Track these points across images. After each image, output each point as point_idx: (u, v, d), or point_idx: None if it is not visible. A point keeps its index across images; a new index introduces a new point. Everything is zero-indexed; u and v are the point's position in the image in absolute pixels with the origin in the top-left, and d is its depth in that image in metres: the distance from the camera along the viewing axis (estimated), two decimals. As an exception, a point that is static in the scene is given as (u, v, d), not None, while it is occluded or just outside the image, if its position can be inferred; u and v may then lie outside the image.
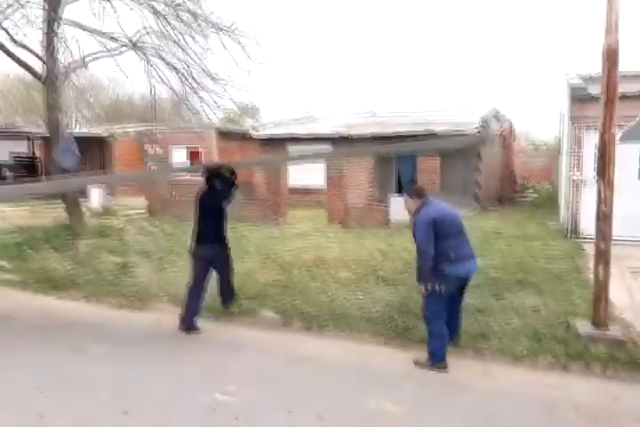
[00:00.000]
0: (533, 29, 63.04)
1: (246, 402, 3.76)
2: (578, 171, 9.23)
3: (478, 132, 13.97)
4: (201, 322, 5.44)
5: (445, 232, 4.32)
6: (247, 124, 31.32)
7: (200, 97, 10.14)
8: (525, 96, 53.54)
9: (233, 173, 5.71)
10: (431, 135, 14.15)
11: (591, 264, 7.49)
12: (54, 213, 11.36)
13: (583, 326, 4.97)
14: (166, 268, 7.57)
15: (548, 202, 16.77)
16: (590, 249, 8.44)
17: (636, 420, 3.62)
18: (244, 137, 17.78)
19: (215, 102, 10.33)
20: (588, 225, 9.20)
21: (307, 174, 14.91)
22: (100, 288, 6.62)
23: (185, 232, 10.31)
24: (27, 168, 18.73)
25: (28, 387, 3.97)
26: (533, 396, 3.94)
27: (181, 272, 7.20)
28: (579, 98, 9.18)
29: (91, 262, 7.77)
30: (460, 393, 4.00)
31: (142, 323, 5.68)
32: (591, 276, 6.66)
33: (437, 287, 4.28)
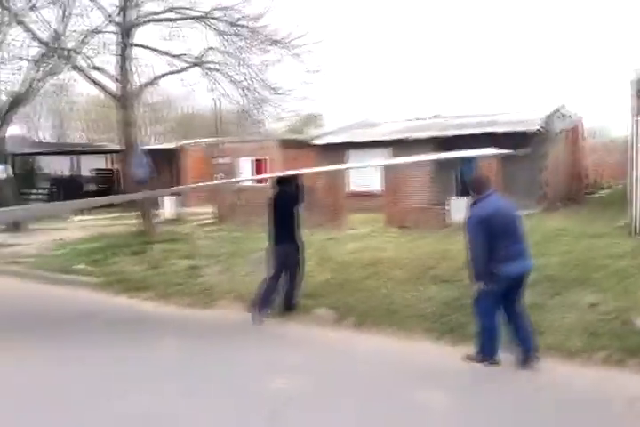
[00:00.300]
0: (604, 23, 60.03)
1: (301, 389, 4.02)
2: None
3: (540, 130, 13.62)
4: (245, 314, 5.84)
5: (498, 230, 4.19)
6: (309, 133, 31.96)
7: (261, 109, 10.64)
8: (598, 93, 51.01)
9: (297, 177, 6.27)
10: (492, 136, 13.98)
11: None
12: (130, 222, 12.24)
13: (641, 322, 4.87)
14: (231, 269, 8.01)
15: (619, 200, 15.95)
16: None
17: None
18: (305, 145, 18.24)
19: (277, 113, 10.81)
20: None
21: (366, 179, 15.11)
22: (170, 288, 7.13)
23: (249, 236, 10.87)
24: (106, 181, 20.14)
25: (109, 372, 4.44)
26: (583, 389, 3.94)
27: (245, 273, 7.65)
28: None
29: (162, 265, 8.36)
30: (505, 386, 4.06)
31: (208, 319, 6.11)
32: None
33: (487, 284, 4.23)
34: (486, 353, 4.37)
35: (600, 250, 7.84)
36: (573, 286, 6.15)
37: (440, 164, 15.09)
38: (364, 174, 15.36)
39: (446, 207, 11.40)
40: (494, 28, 63.98)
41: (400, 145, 15.04)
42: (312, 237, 10.33)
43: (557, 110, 14.92)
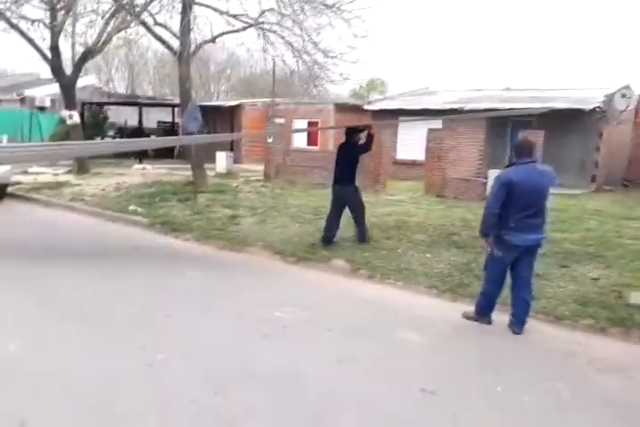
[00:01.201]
0: None
1: (297, 319, 4.60)
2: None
3: (597, 109, 13.21)
4: (280, 264, 6.44)
5: (519, 199, 4.21)
6: (372, 99, 31.82)
7: (314, 72, 10.91)
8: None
9: (363, 130, 7.33)
10: (549, 111, 13.66)
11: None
12: (185, 173, 13.08)
13: (636, 297, 5.06)
14: (266, 221, 8.62)
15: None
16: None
17: (649, 375, 3.84)
18: (359, 110, 18.42)
19: (329, 77, 11.05)
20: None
21: (413, 147, 15.22)
22: (208, 232, 7.83)
23: (290, 193, 11.45)
24: (167, 133, 21.17)
25: (138, 293, 5.19)
26: (554, 347, 4.28)
27: (277, 226, 8.25)
28: None
29: (205, 212, 9.09)
30: (484, 337, 4.46)
31: (235, 260, 6.77)
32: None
33: (495, 251, 4.43)
34: (480, 313, 4.67)
35: (626, 231, 7.87)
36: (584, 261, 6.34)
37: (493, 135, 14.97)
38: (412, 143, 15.47)
39: (485, 179, 11.47)
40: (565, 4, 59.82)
41: (452, 115, 14.98)
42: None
43: (620, 90, 14.32)
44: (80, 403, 3.15)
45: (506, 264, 4.48)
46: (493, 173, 11.40)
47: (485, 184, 11.44)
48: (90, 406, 3.13)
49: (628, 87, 14.72)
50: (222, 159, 15.41)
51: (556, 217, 8.28)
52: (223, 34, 10.38)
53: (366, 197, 11.00)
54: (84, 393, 3.26)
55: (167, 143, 10.33)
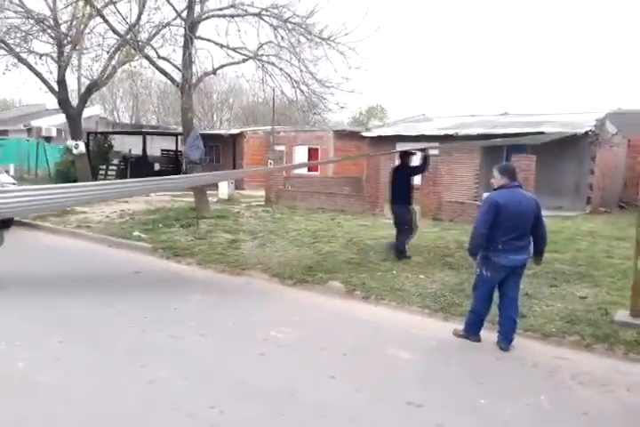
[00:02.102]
0: (701, 19, 56.00)
1: (292, 339, 4.78)
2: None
3: (589, 132, 13.56)
4: (278, 286, 6.65)
5: (502, 222, 4.38)
6: (371, 125, 32.44)
7: (313, 103, 11.32)
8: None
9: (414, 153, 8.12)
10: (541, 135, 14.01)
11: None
12: (187, 199, 13.40)
13: (621, 315, 5.23)
14: (266, 245, 8.84)
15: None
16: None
17: (629, 389, 3.98)
18: (357, 137, 18.87)
19: (326, 106, 11.48)
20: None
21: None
22: (209, 257, 8.04)
23: (290, 218, 11.70)
24: (170, 162, 21.62)
25: (141, 315, 5.39)
26: (539, 362, 4.43)
27: (277, 249, 8.47)
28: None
29: (207, 237, 9.33)
30: (472, 354, 4.62)
31: (235, 283, 6.96)
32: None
33: (484, 271, 4.63)
34: (470, 331, 4.83)
35: (616, 251, 8.06)
36: (573, 280, 6.53)
37: (488, 160, 15.29)
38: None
39: (479, 202, 11.72)
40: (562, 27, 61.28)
41: (447, 140, 15.36)
42: (348, 223, 11.07)
43: (614, 113, 14.72)
44: (82, 414, 3.33)
45: (494, 284, 4.67)
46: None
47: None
48: (90, 415, 3.32)
49: (617, 110, 15.11)
50: (224, 186, 15.74)
51: (549, 238, 8.51)
52: (223, 66, 10.85)
53: (364, 221, 11.40)
54: (87, 406, 3.44)
55: (216, 179, 10.45)
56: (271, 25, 10.23)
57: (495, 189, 4.65)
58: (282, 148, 21.32)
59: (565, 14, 62.98)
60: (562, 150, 14.08)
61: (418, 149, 8.19)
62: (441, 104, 52.65)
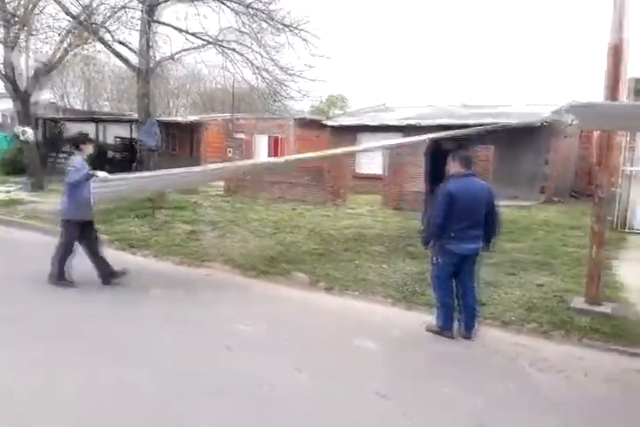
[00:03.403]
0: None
1: (257, 332, 4.71)
2: (630, 164, 9.23)
3: (545, 123, 13.91)
4: (240, 278, 6.53)
5: (456, 211, 4.42)
6: (332, 114, 32.35)
7: (275, 90, 11.14)
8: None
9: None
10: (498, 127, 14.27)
11: (625, 254, 7.73)
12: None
13: (577, 302, 5.39)
14: (226, 235, 8.68)
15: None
16: (634, 241, 8.59)
17: (586, 373, 4.11)
18: (319, 126, 18.76)
19: (287, 93, 11.32)
20: (638, 218, 9.23)
21: (373, 162, 15.60)
22: (167, 248, 7.83)
23: (250, 208, 11.54)
24: (127, 149, 20.95)
25: (97, 311, 5.19)
26: (501, 350, 4.52)
27: (238, 240, 8.32)
28: (637, 91, 9.15)
29: (164, 228, 9.09)
30: (436, 343, 4.65)
31: (197, 276, 6.79)
32: (615, 262, 6.97)
33: (438, 259, 4.66)
34: (441, 324, 4.72)
35: (570, 240, 8.32)
36: (530, 269, 6.70)
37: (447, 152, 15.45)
38: (372, 157, 15.85)
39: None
40: (519, 19, 62.73)
41: (409, 130, 15.47)
42: (309, 213, 11.01)
43: (570, 104, 15.11)
44: (51, 413, 3.17)
45: (448, 271, 4.68)
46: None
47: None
48: (60, 413, 3.19)
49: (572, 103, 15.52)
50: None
51: (505, 228, 8.71)
52: (182, 51, 10.52)
53: (326, 211, 11.37)
54: (56, 406, 3.28)
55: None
56: (233, 10, 9.97)
57: (448, 179, 4.65)
58: (242, 136, 21.00)
59: (522, 8, 64.31)
60: (519, 141, 14.40)
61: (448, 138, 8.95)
62: (400, 94, 53.02)
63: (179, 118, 21.84)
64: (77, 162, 5.68)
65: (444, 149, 8.70)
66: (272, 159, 7.74)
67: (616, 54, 5.06)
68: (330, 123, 17.25)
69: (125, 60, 10.45)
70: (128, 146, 21.95)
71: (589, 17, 59.68)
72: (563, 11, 63.10)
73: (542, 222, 10.23)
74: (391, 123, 15.89)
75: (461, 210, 4.46)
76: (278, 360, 4.12)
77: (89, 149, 5.97)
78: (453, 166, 4.66)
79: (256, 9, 9.93)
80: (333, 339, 4.63)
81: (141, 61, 10.06)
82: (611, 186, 17.24)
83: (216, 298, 5.80)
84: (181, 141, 20.40)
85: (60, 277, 5.94)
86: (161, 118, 17.11)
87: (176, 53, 10.50)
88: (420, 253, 7.43)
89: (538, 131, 14.39)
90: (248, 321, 4.94)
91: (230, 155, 15.17)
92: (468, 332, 4.70)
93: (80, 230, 5.93)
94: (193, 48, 10.64)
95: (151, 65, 10.31)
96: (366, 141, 16.42)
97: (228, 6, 10.16)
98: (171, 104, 34.69)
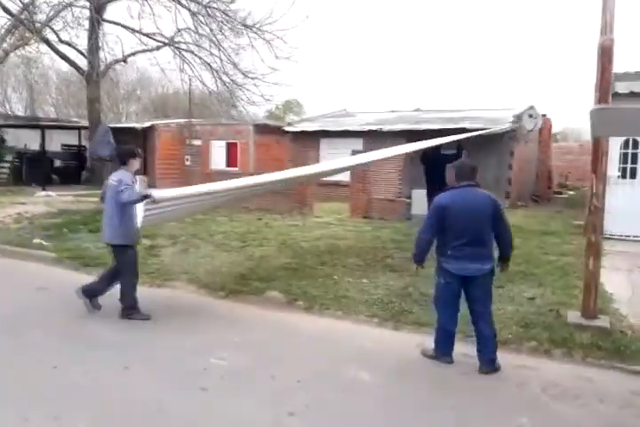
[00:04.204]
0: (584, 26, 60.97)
1: (236, 366, 4.14)
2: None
3: (509, 129, 13.90)
4: (208, 299, 5.94)
5: (452, 225, 4.00)
6: (289, 119, 31.91)
7: (233, 92, 10.59)
8: (581, 95, 51.97)
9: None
10: (462, 131, 14.19)
11: (605, 262, 7.57)
12: (97, 199, 12.11)
13: (573, 316, 5.10)
14: (189, 250, 8.05)
15: (583, 201, 16.46)
16: (607, 246, 8.47)
17: (601, 399, 3.78)
18: (280, 131, 18.23)
19: (248, 98, 10.80)
20: (609, 223, 9.14)
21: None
22: (126, 266, 7.14)
23: (211, 219, 10.89)
24: (74, 157, 19.81)
25: (48, 345, 4.50)
26: (507, 375, 4.14)
27: (202, 255, 7.70)
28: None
29: (121, 244, 8.35)
30: (437, 370, 4.24)
31: (159, 298, 6.13)
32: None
33: (439, 278, 4.20)
34: (439, 351, 4.28)
35: (549, 247, 8.14)
36: (516, 280, 6.39)
37: (411, 157, 15.28)
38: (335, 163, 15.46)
39: (409, 200, 11.60)
40: (473, 26, 64.36)
41: (371, 136, 15.19)
42: (277, 223, 10.47)
43: (526, 111, 15.21)
44: None
45: (452, 293, 4.19)
46: (417, 194, 11.57)
47: (410, 204, 11.56)
48: None
49: (532, 108, 15.65)
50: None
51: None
52: (136, 53, 9.82)
53: (294, 221, 10.86)
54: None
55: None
56: (189, 10, 9.37)
57: (446, 189, 4.24)
58: (198, 142, 20.19)
59: (478, 14, 65.98)
60: (483, 146, 14.33)
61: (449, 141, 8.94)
62: (356, 99, 53.14)
63: (132, 124, 20.82)
64: (127, 178, 5.01)
65: (443, 154, 9.00)
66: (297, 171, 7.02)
67: (605, 55, 4.83)
68: (291, 128, 16.77)
69: (72, 63, 9.65)
70: (76, 154, 20.79)
71: (545, 22, 61.75)
72: (519, 16, 65.06)
73: (515, 229, 10.02)
74: (353, 128, 15.56)
75: (457, 225, 4.00)
76: (267, 403, 3.58)
77: (136, 164, 5.28)
78: (449, 176, 4.24)
79: (215, 9, 9.36)
80: (323, 371, 4.13)
81: (90, 64, 9.29)
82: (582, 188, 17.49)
83: (183, 325, 5.18)
84: (134, 149, 19.37)
85: (134, 307, 5.30)
86: (110, 124, 16.17)
87: (129, 55, 9.79)
88: (400, 265, 7.07)
89: (500, 136, 14.37)
90: (222, 353, 4.37)
91: (188, 163, 14.42)
92: (487, 366, 4.12)
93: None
94: (147, 50, 9.96)
95: (102, 68, 9.55)
96: (328, 147, 16.06)
97: (184, 6, 9.55)
98: (120, 109, 33.34)
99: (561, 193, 20.82)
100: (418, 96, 54.34)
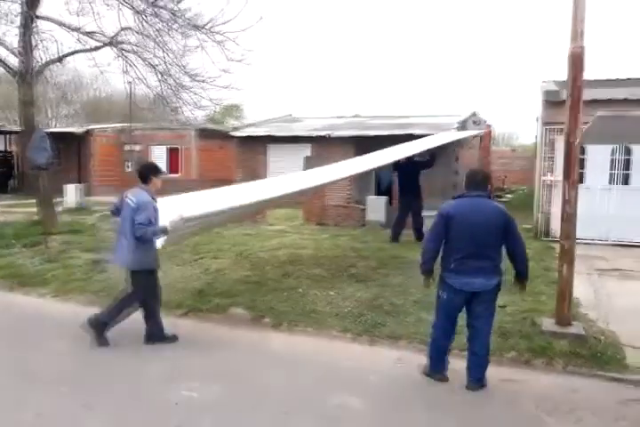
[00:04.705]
0: (517, 34, 63.94)
1: (211, 397, 3.75)
2: (550, 174, 9.40)
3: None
4: (167, 320, 5.44)
5: (454, 237, 3.79)
6: (229, 124, 31.26)
7: (179, 96, 10.07)
8: (509, 101, 54.35)
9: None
10: (410, 137, 14.28)
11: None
12: (29, 210, 11.21)
13: (547, 324, 5.06)
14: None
15: (524, 204, 17.07)
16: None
17: (593, 412, 3.70)
18: (224, 136, 17.72)
19: (198, 101, 10.31)
20: (559, 226, 9.37)
21: (281, 173, 14.93)
22: (68, 284, 6.53)
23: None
24: (4, 164, 18.44)
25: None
26: (495, 390, 3.99)
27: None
28: (552, 102, 9.35)
29: (61, 259, 7.67)
30: (424, 389, 4.03)
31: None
32: (556, 274, 6.82)
33: (440, 292, 3.97)
34: (431, 368, 4.08)
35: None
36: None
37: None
38: (284, 170, 15.15)
39: (363, 206, 11.48)
40: (411, 33, 66.09)
41: (320, 142, 15.00)
42: (228, 232, 10.03)
43: (470, 117, 15.54)
44: None
45: (452, 309, 3.97)
46: (372, 200, 11.46)
47: (364, 211, 11.43)
48: None
49: (475, 114, 16.02)
50: (72, 192, 13.62)
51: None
52: (73, 53, 9.11)
53: (247, 229, 10.44)
54: None
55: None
56: (132, 8, 8.80)
57: (454, 197, 4.01)
58: (137, 147, 19.31)
59: (418, 22, 67.65)
60: (428, 152, 14.49)
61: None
62: (296, 105, 53.14)
63: (64, 129, 19.63)
64: (147, 205, 4.47)
65: (415, 162, 8.96)
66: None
67: (576, 63, 4.83)
68: (237, 133, 16.29)
69: (2, 62, 8.82)
70: (2, 160, 19.36)
71: (482, 30, 64.08)
72: (455, 23, 67.25)
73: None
74: (302, 134, 15.31)
75: (461, 236, 3.77)
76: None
77: (159, 183, 4.74)
78: (463, 187, 4.02)
79: (160, 7, 8.85)
80: (306, 398, 3.80)
81: (24, 64, 8.52)
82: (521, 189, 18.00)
83: (143, 350, 4.70)
84: (67, 155, 18.29)
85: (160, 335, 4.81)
86: (46, 129, 15.12)
87: (66, 55, 9.07)
88: (365, 275, 6.87)
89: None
90: (193, 383, 3.95)
91: (129, 169, 13.68)
92: (473, 383, 3.94)
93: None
94: (86, 50, 9.27)
95: (36, 68, 8.79)
96: (275, 153, 15.72)
97: (125, 3, 8.97)
98: (49, 114, 31.52)
99: (501, 197, 21.51)
100: (356, 102, 55.04)
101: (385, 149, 8.70)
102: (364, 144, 14.99)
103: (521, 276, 4.03)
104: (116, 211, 4.81)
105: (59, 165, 19.13)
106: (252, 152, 15.96)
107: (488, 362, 4.05)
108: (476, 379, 3.98)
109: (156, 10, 8.85)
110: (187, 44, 9.02)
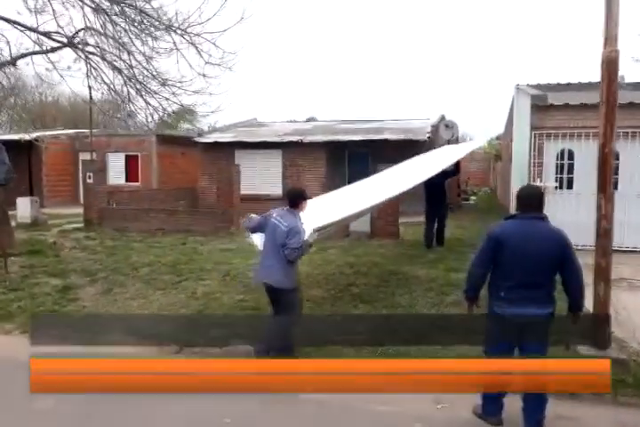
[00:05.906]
0: (480, 39, 65.31)
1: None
2: (540, 180, 9.20)
3: (429, 138, 13.89)
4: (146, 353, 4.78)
5: (507, 262, 3.40)
6: (183, 129, 30.18)
7: (146, 101, 9.31)
8: (461, 103, 55.43)
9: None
10: (384, 142, 13.98)
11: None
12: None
13: (583, 348, 4.71)
14: (114, 291, 6.72)
15: (490, 206, 17.16)
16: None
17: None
18: (186, 142, 16.88)
19: (167, 106, 9.61)
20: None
21: (255, 182, 14.35)
22: (38, 318, 5.72)
23: (127, 246, 9.50)
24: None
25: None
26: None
27: (132, 295, 6.46)
28: (539, 107, 9.16)
29: (25, 286, 6.80)
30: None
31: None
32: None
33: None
34: (485, 410, 3.64)
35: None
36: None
37: (332, 168, 14.79)
38: (254, 177, 14.56)
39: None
40: (384, 37, 66.43)
41: (291, 147, 14.49)
42: (205, 247, 9.34)
43: (441, 121, 15.40)
44: None
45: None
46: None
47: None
48: None
49: (444, 118, 15.89)
50: (26, 206, 12.51)
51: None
52: (28, 54, 8.20)
53: (225, 244, 9.76)
54: None
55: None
56: (91, 7, 8.00)
57: (506, 218, 3.59)
58: (94, 155, 18.15)
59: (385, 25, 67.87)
60: (400, 155, 14.20)
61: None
62: (252, 108, 52.26)
63: (9, 136, 18.22)
64: (296, 222, 4.50)
65: (445, 172, 8.47)
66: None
67: (611, 68, 4.52)
68: (202, 139, 15.51)
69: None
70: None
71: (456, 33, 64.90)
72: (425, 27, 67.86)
73: (456, 241, 9.83)
74: (272, 139, 14.73)
75: (513, 262, 3.36)
76: None
77: (306, 206, 4.72)
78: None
79: (129, 5, 8.09)
80: None
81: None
82: (484, 191, 17.99)
83: (145, 402, 4.02)
84: (15, 165, 16.90)
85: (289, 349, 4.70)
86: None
87: (20, 57, 8.16)
88: (369, 295, 6.38)
89: (417, 145, 14.33)
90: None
91: (90, 180, 12.70)
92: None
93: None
94: (41, 51, 8.38)
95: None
96: (243, 159, 15.06)
97: (83, 1, 8.14)
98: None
99: (467, 199, 21.61)
100: (311, 105, 54.71)
101: (409, 162, 8.71)
102: (337, 149, 14.61)
103: (576, 307, 3.62)
104: (256, 228, 4.83)
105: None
106: (217, 159, 15.24)
107: (546, 401, 3.62)
108: (536, 422, 3.53)
109: (121, 8, 8.07)
110: (157, 46, 8.27)
